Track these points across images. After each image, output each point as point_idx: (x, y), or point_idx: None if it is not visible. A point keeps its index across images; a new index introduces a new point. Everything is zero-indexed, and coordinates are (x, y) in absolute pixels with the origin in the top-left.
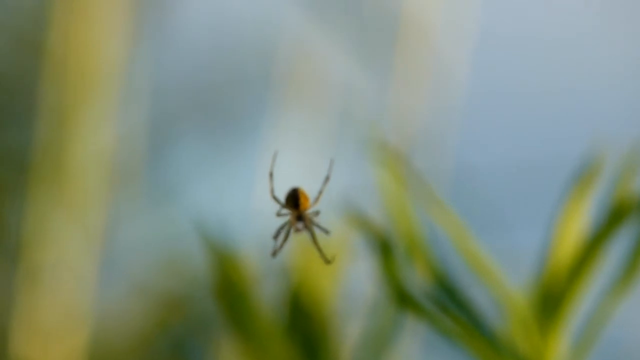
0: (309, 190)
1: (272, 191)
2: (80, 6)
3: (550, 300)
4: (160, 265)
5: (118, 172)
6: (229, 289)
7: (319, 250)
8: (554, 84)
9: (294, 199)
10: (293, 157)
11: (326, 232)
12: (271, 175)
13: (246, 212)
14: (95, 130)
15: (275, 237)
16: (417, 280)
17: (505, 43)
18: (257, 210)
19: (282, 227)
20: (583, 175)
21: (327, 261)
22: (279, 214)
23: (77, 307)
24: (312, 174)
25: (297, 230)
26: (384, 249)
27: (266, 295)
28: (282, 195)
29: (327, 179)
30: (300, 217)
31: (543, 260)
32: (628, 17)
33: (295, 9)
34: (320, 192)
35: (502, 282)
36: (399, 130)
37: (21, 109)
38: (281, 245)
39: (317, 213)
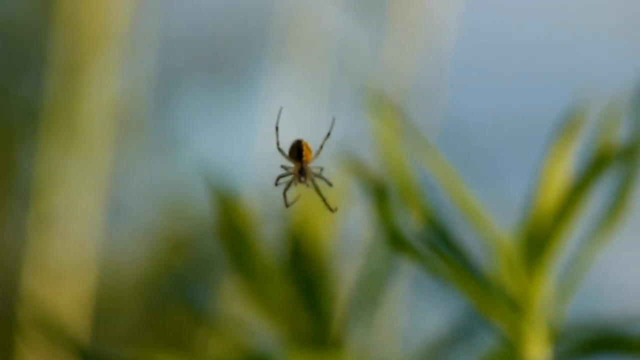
0: (308, 141)
1: (277, 144)
2: None
3: (536, 243)
4: (165, 210)
5: (125, 122)
6: (231, 231)
7: (323, 199)
8: (543, 38)
9: (297, 151)
10: (291, 110)
11: (329, 184)
12: (277, 128)
13: (247, 160)
14: (103, 81)
15: (276, 184)
16: (410, 224)
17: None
18: (257, 158)
19: (281, 176)
20: (567, 125)
21: (331, 210)
22: (283, 166)
23: (86, 250)
24: (310, 126)
25: (300, 181)
26: (379, 194)
27: (267, 238)
28: (285, 148)
29: (328, 135)
30: (302, 168)
31: (529, 205)
32: None
33: None
34: (321, 147)
35: (490, 225)
36: (392, 83)
37: (33, 61)
38: (285, 195)
39: (321, 169)
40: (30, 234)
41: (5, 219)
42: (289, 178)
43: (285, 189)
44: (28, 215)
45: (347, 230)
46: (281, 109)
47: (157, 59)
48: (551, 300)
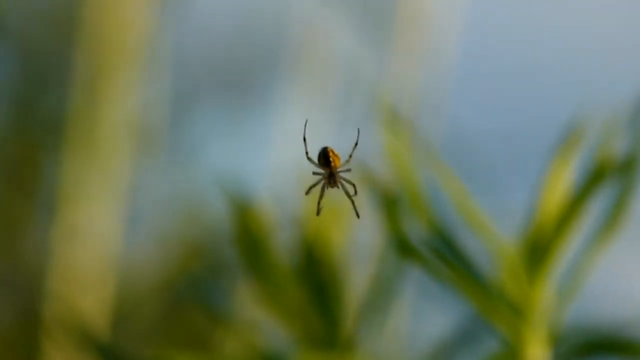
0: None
1: (307, 153)
2: None
3: (538, 251)
4: (182, 217)
5: (144, 135)
6: (247, 237)
7: (353, 204)
8: (544, 53)
9: (325, 157)
10: (303, 124)
11: (355, 192)
12: (305, 139)
13: (261, 170)
14: (123, 96)
15: (307, 193)
16: (418, 232)
17: (495, 19)
18: (271, 168)
19: (313, 185)
20: (568, 139)
21: (358, 215)
22: (315, 172)
23: (107, 256)
24: (322, 140)
25: (330, 186)
26: (389, 203)
27: (281, 243)
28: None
29: (355, 145)
30: (332, 174)
31: (531, 214)
32: None
33: None
34: (350, 156)
35: (494, 234)
36: (398, 98)
37: (57, 76)
38: (319, 203)
39: (348, 170)
40: (55, 241)
41: (31, 227)
42: (319, 186)
43: (320, 199)
44: (52, 223)
45: (358, 237)
46: (307, 121)
47: (175, 75)
48: (552, 306)
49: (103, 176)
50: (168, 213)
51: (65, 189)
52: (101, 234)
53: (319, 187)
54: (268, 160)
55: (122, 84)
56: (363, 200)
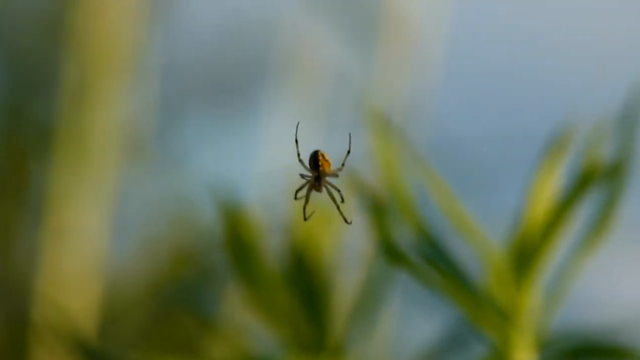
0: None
1: (298, 155)
2: None
3: (526, 256)
4: (171, 222)
5: (133, 140)
6: (237, 242)
7: (339, 210)
8: (532, 58)
9: (314, 161)
10: (291, 130)
11: (342, 199)
12: (297, 141)
13: (250, 176)
14: (113, 102)
15: (295, 197)
16: (406, 237)
17: (480, 26)
18: (260, 174)
19: (300, 189)
20: (556, 144)
21: (347, 221)
22: (302, 175)
23: (96, 261)
24: (310, 146)
25: (317, 189)
26: (377, 208)
27: (270, 249)
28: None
29: (348, 152)
30: (319, 177)
31: (519, 219)
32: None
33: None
34: (342, 164)
35: (481, 238)
36: (385, 103)
37: (46, 83)
38: (305, 207)
39: (337, 173)
40: (43, 245)
41: (20, 232)
42: (306, 191)
43: (305, 204)
44: (41, 228)
45: (346, 242)
46: (299, 123)
47: (163, 82)
48: (539, 310)
49: (92, 181)
50: (157, 218)
51: (54, 193)
52: (90, 238)
53: (305, 192)
54: (257, 165)
55: (111, 89)
56: (352, 205)
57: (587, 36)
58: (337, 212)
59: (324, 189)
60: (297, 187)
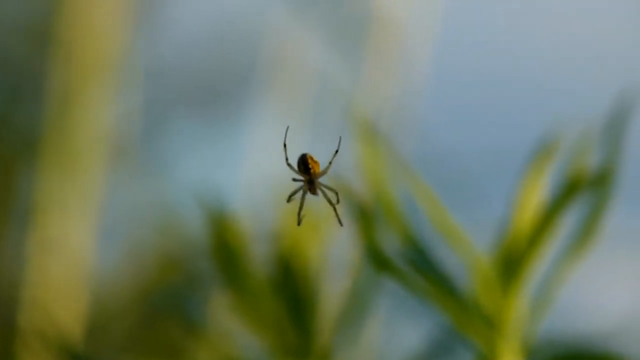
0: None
1: (287, 159)
2: None
3: (512, 263)
4: (158, 229)
5: (118, 147)
6: (223, 248)
7: (335, 212)
8: (518, 67)
9: (304, 164)
10: (277, 136)
11: (337, 200)
12: (285, 145)
13: (236, 182)
14: (98, 108)
15: (288, 201)
16: (393, 244)
17: (467, 33)
18: (247, 181)
19: (294, 193)
20: (542, 153)
21: (341, 223)
22: (294, 179)
23: (82, 267)
24: (296, 149)
25: (311, 192)
26: (364, 216)
27: (257, 255)
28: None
29: (336, 152)
30: (312, 180)
31: (505, 227)
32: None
33: (279, 4)
34: (330, 163)
35: (468, 246)
36: (372, 111)
37: (31, 90)
38: (300, 211)
39: (326, 171)
40: (30, 252)
41: (6, 239)
42: (300, 194)
43: (300, 209)
44: (28, 235)
45: (333, 249)
46: (288, 127)
47: (149, 88)
48: (525, 318)
49: (78, 188)
50: (144, 225)
51: (40, 200)
52: (76, 245)
53: (299, 197)
54: (243, 172)
55: (96, 96)
56: (340, 212)
57: (576, 40)
58: (332, 213)
59: (319, 192)
60: (288, 192)
